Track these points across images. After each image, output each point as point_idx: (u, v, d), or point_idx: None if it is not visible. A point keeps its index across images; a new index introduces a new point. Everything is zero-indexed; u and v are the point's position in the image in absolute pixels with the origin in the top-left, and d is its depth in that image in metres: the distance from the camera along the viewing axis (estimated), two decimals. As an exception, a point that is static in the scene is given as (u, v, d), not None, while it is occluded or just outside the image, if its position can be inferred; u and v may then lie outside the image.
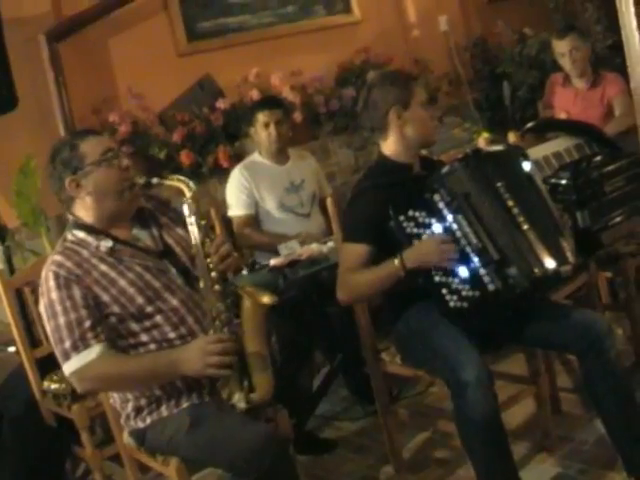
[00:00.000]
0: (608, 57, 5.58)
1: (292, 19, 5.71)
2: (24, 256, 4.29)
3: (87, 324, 2.50)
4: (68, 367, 2.52)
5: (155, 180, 2.65)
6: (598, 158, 3.62)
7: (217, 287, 2.52)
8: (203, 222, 2.56)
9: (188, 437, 2.52)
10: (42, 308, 2.59)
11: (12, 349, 3.81)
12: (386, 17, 6.16)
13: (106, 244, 2.61)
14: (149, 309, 2.58)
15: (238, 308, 2.55)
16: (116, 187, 2.61)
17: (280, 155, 4.37)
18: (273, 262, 3.65)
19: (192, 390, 2.61)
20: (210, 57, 5.33)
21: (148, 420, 2.64)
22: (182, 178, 2.63)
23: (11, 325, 3.49)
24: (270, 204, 4.28)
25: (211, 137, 5.06)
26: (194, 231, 2.55)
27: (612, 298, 4.13)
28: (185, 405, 2.60)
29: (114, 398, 2.72)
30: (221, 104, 5.11)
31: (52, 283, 2.54)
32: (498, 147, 3.16)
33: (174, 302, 2.62)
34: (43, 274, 2.59)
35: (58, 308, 2.52)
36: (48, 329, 2.58)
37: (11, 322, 3.48)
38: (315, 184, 4.46)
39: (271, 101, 4.51)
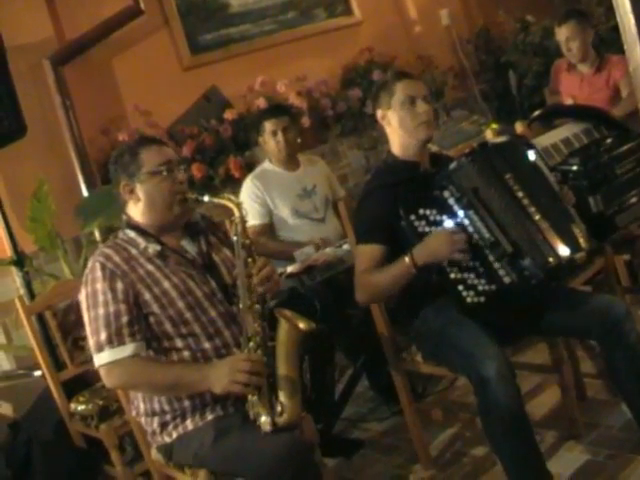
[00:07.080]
0: (612, 39, 5.53)
1: (293, 25, 5.75)
2: (43, 280, 4.31)
3: (124, 319, 2.54)
4: (99, 359, 2.56)
5: (206, 198, 2.72)
6: (607, 141, 3.59)
7: (256, 307, 2.55)
8: (247, 242, 2.60)
9: (213, 450, 2.52)
10: (82, 297, 2.62)
11: (38, 373, 3.85)
12: (387, 16, 6.19)
13: (155, 247, 2.66)
14: (188, 315, 2.61)
15: (274, 331, 2.57)
16: (165, 199, 2.67)
17: (290, 162, 4.35)
18: (290, 269, 3.66)
19: (217, 402, 2.61)
20: (215, 69, 5.37)
21: (174, 434, 2.64)
22: (232, 198, 2.67)
23: (35, 350, 3.52)
24: (284, 211, 4.26)
25: (221, 148, 5.09)
26: (238, 250, 2.58)
27: (632, 280, 4.09)
28: (210, 418, 2.60)
29: (139, 412, 2.73)
30: (229, 115, 5.15)
31: (99, 273, 2.58)
32: (503, 138, 3.13)
33: (213, 313, 2.65)
34: (90, 264, 2.64)
35: (100, 298, 2.57)
36: (86, 318, 2.61)
37: (34, 347, 3.51)
38: (327, 188, 4.44)
39: (277, 109, 4.48)
